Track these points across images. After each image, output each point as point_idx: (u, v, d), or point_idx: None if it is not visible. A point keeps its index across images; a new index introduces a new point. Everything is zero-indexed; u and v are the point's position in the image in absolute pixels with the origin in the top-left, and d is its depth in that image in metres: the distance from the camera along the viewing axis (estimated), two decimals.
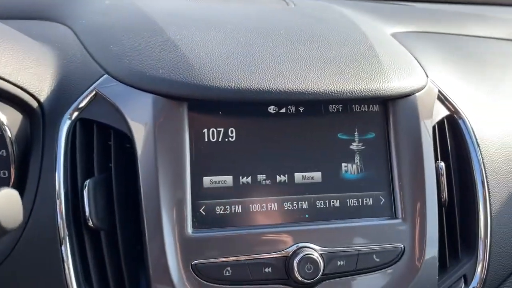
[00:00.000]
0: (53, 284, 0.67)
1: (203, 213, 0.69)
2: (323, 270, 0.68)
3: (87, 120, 0.72)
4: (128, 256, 0.68)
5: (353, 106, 0.76)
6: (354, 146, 0.75)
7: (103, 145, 0.71)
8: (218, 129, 0.71)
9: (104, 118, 0.71)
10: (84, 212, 0.67)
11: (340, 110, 0.75)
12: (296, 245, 0.69)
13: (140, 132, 0.68)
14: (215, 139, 0.70)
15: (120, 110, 0.69)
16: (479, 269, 0.79)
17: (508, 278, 0.82)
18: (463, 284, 0.78)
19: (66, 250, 0.67)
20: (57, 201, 0.67)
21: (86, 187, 0.67)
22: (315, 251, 0.69)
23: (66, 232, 0.67)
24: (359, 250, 0.71)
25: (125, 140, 0.70)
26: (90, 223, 0.67)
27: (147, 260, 0.66)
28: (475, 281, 0.78)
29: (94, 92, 0.72)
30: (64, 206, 0.68)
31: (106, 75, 0.73)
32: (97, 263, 0.68)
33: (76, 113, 0.71)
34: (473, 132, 0.84)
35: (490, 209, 0.80)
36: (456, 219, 0.80)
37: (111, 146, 0.70)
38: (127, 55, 0.74)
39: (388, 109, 0.76)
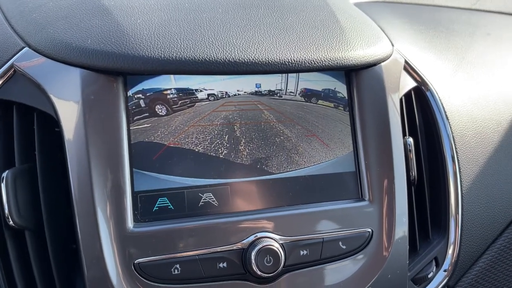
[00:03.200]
0: None
1: (145, 204, 0.60)
2: (285, 262, 0.61)
3: (5, 101, 0.61)
4: (59, 258, 0.59)
5: (317, 78, 0.68)
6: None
7: (26, 131, 0.61)
8: (159, 108, 0.62)
9: (24, 98, 0.60)
10: (3, 209, 0.57)
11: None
12: (253, 235, 0.62)
13: (67, 113, 0.58)
14: (156, 117, 0.61)
15: (43, 89, 0.59)
16: (450, 250, 0.74)
17: (479, 258, 0.77)
18: (434, 267, 0.73)
19: None
20: None
21: (4, 180, 0.57)
22: (275, 241, 0.61)
23: None
24: (323, 238, 0.64)
25: (52, 123, 0.60)
26: (11, 222, 0.57)
27: (81, 262, 0.57)
28: (447, 263, 0.73)
29: (12, 69, 0.61)
30: None
31: (26, 48, 0.62)
32: (23, 268, 0.58)
33: None
34: (442, 105, 0.78)
35: (461, 186, 0.76)
36: (426, 198, 0.74)
37: (35, 131, 0.60)
38: (51, 24, 0.63)
39: (352, 81, 0.69)
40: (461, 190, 0.75)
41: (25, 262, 0.59)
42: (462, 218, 0.74)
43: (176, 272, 0.59)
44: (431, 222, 0.75)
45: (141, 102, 0.61)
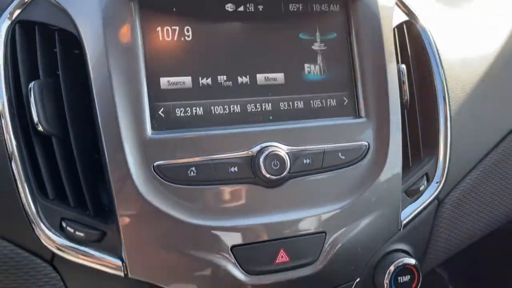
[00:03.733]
0: (6, 201, 0.62)
1: (162, 115, 0.65)
2: (290, 168, 0.67)
3: (28, 22, 0.65)
4: (84, 163, 0.64)
5: (314, 5, 0.73)
6: (316, 46, 0.73)
7: (49, 50, 0.66)
8: (173, 27, 0.66)
9: (46, 18, 0.65)
10: (32, 116, 0.62)
11: (300, 9, 0.72)
12: (261, 144, 0.67)
13: (88, 31, 0.63)
14: (170, 38, 0.66)
15: (64, 9, 0.64)
16: (440, 167, 0.80)
17: (466, 176, 0.84)
18: (425, 182, 0.79)
19: (16, 161, 0.62)
20: (0, 108, 0.62)
21: (32, 89, 0.62)
22: (280, 149, 0.67)
23: (14, 142, 0.62)
24: (324, 149, 0.70)
25: (73, 44, 0.65)
26: (40, 128, 0.62)
27: (106, 165, 0.62)
28: (437, 178, 0.80)
29: None
30: (9, 114, 0.62)
31: None
32: (51, 172, 0.64)
33: (17, 12, 0.65)
34: (432, 37, 0.84)
35: (449, 109, 0.82)
36: (418, 120, 0.80)
37: (57, 48, 0.65)
38: None
39: (349, 9, 0.74)
40: (450, 113, 0.81)
41: (53, 169, 0.64)
42: (451, 137, 0.81)
43: (192, 174, 0.64)
44: (422, 143, 0.81)
45: (155, 23, 0.66)
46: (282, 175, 0.66)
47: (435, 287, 2.09)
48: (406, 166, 0.79)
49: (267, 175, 0.65)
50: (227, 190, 0.66)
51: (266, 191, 0.67)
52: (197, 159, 0.65)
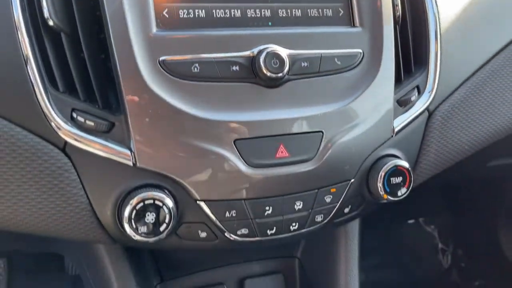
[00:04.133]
0: (19, 91, 0.65)
1: (166, 15, 0.68)
2: (289, 69, 0.70)
3: None
4: (93, 59, 0.67)
5: None
6: None
7: None
8: None
9: None
10: (42, 10, 0.65)
11: None
12: (261, 46, 0.70)
13: None
14: None
15: None
16: (430, 79, 0.84)
17: (456, 90, 0.88)
18: (416, 93, 0.83)
19: (27, 51, 0.64)
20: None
21: None
22: (280, 50, 0.70)
23: (25, 36, 0.65)
24: (321, 53, 0.74)
25: None
26: (50, 22, 0.65)
27: (114, 59, 0.65)
28: (428, 89, 0.84)
29: None
30: (20, 8, 0.65)
31: None
32: (61, 67, 0.66)
33: None
34: None
35: (439, 26, 0.85)
36: (409, 36, 0.84)
37: None
38: None
39: None
40: (440, 30, 0.85)
41: (63, 65, 0.67)
42: (440, 53, 0.85)
43: (195, 70, 0.67)
44: (414, 58, 0.85)
45: None
46: (282, 73, 0.69)
47: (425, 245, 2.16)
48: (398, 79, 0.83)
49: (268, 73, 0.69)
50: (229, 88, 0.69)
51: (266, 90, 0.71)
52: (200, 56, 0.68)
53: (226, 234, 0.73)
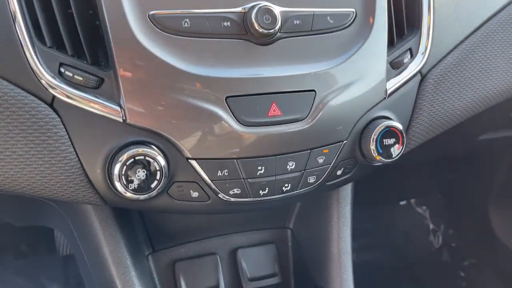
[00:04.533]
0: (5, 43, 0.63)
1: None
2: (281, 26, 0.69)
3: None
4: (81, 14, 0.65)
5: None
6: None
7: None
8: None
9: None
10: None
11: None
12: (253, 2, 0.69)
13: None
14: None
15: None
16: (423, 41, 0.84)
17: (448, 54, 0.88)
18: (409, 56, 0.83)
19: (14, 7, 0.63)
20: None
21: None
22: (272, 7, 0.69)
23: None
24: (313, 11, 0.73)
25: None
26: None
27: (102, 13, 0.64)
28: (421, 51, 0.83)
29: None
30: None
31: None
32: (48, 21, 0.65)
33: None
34: None
35: None
36: (402, 1, 0.83)
37: None
38: None
39: None
40: None
41: (51, 20, 0.65)
42: (433, 17, 0.84)
43: (186, 25, 0.66)
44: (407, 23, 0.84)
45: None
46: (273, 30, 0.68)
47: (416, 226, 2.18)
48: (390, 42, 0.82)
49: (259, 29, 0.68)
50: (220, 44, 0.68)
51: (258, 48, 0.70)
52: (190, 11, 0.67)
53: (218, 194, 0.73)
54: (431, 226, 2.17)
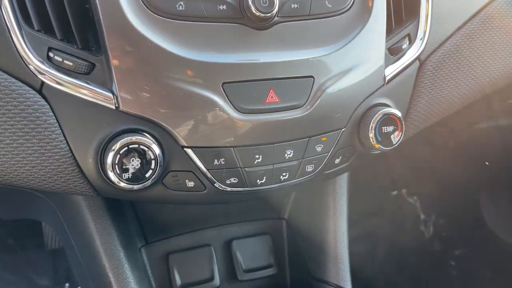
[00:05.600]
0: None
1: None
2: (278, 10, 0.67)
3: None
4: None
5: None
6: None
7: None
8: None
9: None
10: None
11: None
12: None
13: None
14: None
15: None
16: (421, 27, 0.82)
17: (447, 40, 0.86)
18: (407, 42, 0.81)
19: None
20: None
21: None
22: None
23: None
24: None
25: None
26: None
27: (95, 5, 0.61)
28: (418, 38, 0.82)
29: None
30: None
31: None
32: (35, 2, 0.62)
33: None
34: None
35: None
36: None
37: None
38: None
39: None
40: None
41: (39, 2, 0.62)
42: (432, 2, 0.83)
43: (180, 8, 0.64)
44: (405, 9, 0.82)
45: None
46: (271, 13, 0.66)
47: (407, 216, 2.18)
48: (389, 28, 0.80)
49: (256, 13, 0.65)
50: (216, 28, 0.66)
51: (255, 32, 0.68)
52: None
53: (214, 183, 0.71)
54: (422, 216, 2.17)
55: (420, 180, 2.14)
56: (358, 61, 0.74)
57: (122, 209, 0.91)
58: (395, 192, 2.24)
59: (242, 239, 1.03)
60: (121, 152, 0.63)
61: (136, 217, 0.95)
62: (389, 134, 0.78)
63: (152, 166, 0.64)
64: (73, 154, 0.65)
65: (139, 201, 0.76)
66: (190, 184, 0.70)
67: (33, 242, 1.71)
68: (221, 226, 1.03)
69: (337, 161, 0.79)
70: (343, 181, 1.00)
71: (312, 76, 0.71)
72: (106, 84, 0.63)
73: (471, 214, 1.94)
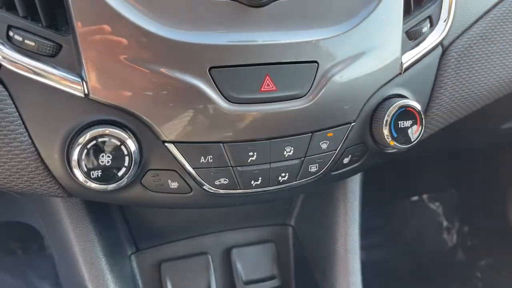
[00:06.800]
0: None
1: None
2: None
3: None
4: None
5: None
6: None
7: None
8: None
9: None
10: None
11: None
12: None
13: None
14: None
15: None
16: (445, 8, 0.71)
17: (475, 23, 0.75)
18: (428, 25, 0.71)
19: None
20: None
21: None
22: None
23: None
24: None
25: None
26: None
27: None
28: (442, 20, 0.71)
29: None
30: None
31: None
32: None
33: None
34: None
35: None
36: None
37: None
38: None
39: None
40: None
41: None
42: None
43: None
44: None
45: None
46: None
47: (429, 223, 2.07)
48: (407, 9, 0.70)
49: None
50: (204, 4, 0.56)
51: (249, 10, 0.58)
52: None
53: (202, 185, 0.61)
54: (445, 223, 2.05)
55: (442, 184, 2.03)
56: (370, 45, 0.64)
57: (108, 212, 0.83)
58: (415, 198, 2.13)
59: (242, 247, 0.93)
60: (88, 146, 0.54)
61: (125, 221, 0.87)
62: (406, 129, 0.67)
63: (126, 164, 0.56)
64: (36, 149, 0.57)
65: (117, 203, 0.67)
66: (174, 185, 0.61)
67: (35, 244, 1.67)
68: (220, 232, 0.94)
69: (346, 160, 0.69)
70: (355, 184, 0.89)
71: (316, 61, 0.61)
72: (74, 68, 0.55)
73: (498, 222, 1.82)
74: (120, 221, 0.86)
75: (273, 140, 0.62)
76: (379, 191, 1.94)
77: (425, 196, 2.11)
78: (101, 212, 0.79)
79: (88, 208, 0.76)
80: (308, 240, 0.96)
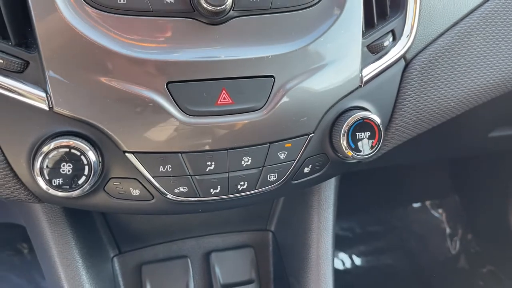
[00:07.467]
0: None
1: None
2: (233, 2, 0.61)
3: None
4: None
5: None
6: None
7: None
8: None
9: None
10: None
11: None
12: None
13: None
14: None
15: None
16: (408, 23, 0.73)
17: (440, 36, 0.77)
18: (391, 39, 0.73)
19: None
20: None
21: None
22: None
23: None
24: None
25: None
26: None
27: None
28: (404, 35, 0.73)
29: None
30: None
31: None
32: None
33: None
34: None
35: None
36: None
37: None
38: None
39: None
40: None
41: None
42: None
43: (122, 1, 0.58)
44: (390, 1, 0.74)
45: None
46: (224, 6, 0.59)
47: (431, 230, 2.05)
48: (370, 23, 0.72)
49: (207, 6, 0.59)
50: (162, 23, 0.60)
51: (207, 27, 0.61)
52: None
53: (162, 192, 0.65)
54: (447, 230, 2.04)
55: (445, 191, 2.01)
56: (328, 59, 0.66)
57: (88, 216, 0.87)
58: (417, 204, 2.12)
59: (221, 252, 0.96)
60: (50, 156, 0.58)
61: (107, 225, 0.91)
62: (364, 140, 0.70)
63: (86, 172, 0.59)
64: (5, 157, 0.61)
65: (83, 208, 0.71)
66: (136, 192, 0.65)
67: None
68: (201, 236, 0.97)
69: (306, 170, 0.71)
70: (329, 192, 0.91)
71: (272, 76, 0.64)
72: (40, 83, 0.59)
73: (501, 229, 1.80)
74: (101, 225, 0.90)
75: (231, 150, 0.65)
76: (381, 197, 1.94)
77: (427, 202, 2.10)
78: (81, 216, 0.83)
79: (66, 211, 0.80)
80: (286, 245, 0.98)
